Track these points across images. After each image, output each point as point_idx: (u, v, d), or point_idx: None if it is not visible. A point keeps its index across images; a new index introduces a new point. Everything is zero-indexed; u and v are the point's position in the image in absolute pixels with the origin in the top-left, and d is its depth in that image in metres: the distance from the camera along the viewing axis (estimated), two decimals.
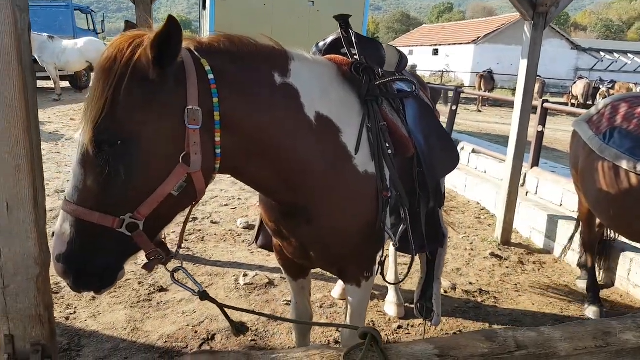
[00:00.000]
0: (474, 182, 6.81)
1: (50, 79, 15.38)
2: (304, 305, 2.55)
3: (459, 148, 8.32)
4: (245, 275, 3.94)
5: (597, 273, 4.03)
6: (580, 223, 4.10)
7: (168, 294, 3.65)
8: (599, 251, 4.12)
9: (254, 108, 1.61)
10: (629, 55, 35.27)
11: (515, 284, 4.23)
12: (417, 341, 1.49)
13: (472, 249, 4.96)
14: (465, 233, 5.43)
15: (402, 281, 2.30)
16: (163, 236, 1.71)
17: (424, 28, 53.25)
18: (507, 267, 4.58)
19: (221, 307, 1.71)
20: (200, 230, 4.94)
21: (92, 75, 1.42)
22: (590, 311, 3.77)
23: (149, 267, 1.56)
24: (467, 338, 1.48)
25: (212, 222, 5.20)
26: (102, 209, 1.40)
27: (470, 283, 4.19)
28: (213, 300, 1.67)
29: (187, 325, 3.26)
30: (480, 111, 20.60)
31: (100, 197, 1.40)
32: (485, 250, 4.89)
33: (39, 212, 1.28)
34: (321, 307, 3.65)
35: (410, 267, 2.23)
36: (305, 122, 1.75)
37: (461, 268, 4.49)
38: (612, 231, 4.07)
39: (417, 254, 2.66)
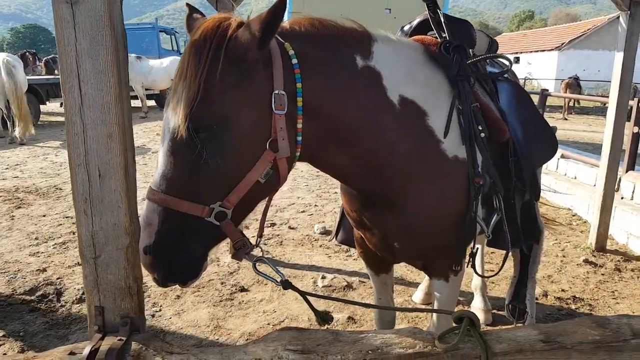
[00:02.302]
0: (565, 187, 6.38)
1: (137, 98, 16.49)
2: (387, 302, 2.46)
3: None
4: (323, 277, 3.92)
5: None
6: None
7: (249, 293, 3.71)
8: None
9: (334, 93, 1.57)
10: None
11: (613, 292, 3.88)
12: (520, 327, 1.37)
13: (563, 256, 4.62)
14: (556, 239, 5.07)
15: (492, 276, 2.14)
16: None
17: (504, 36, 51.48)
18: (603, 274, 4.21)
19: (303, 294, 1.66)
20: (278, 235, 5.01)
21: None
22: None
23: (238, 256, 1.54)
24: (575, 324, 1.35)
25: (289, 227, 5.26)
26: (191, 198, 1.37)
27: (563, 290, 3.89)
28: (296, 289, 1.63)
29: (268, 324, 3.28)
30: (566, 119, 19.41)
31: (190, 185, 1.37)
32: (579, 257, 4.53)
33: (129, 181, 1.29)
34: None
35: (504, 261, 2.07)
36: (388, 106, 1.68)
37: (552, 275, 4.19)
38: None
39: (512, 250, 2.50)
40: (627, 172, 5.89)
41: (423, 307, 3.47)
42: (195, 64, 1.34)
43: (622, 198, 5.76)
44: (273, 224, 5.32)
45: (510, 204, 2.06)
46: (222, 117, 1.36)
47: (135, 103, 18.62)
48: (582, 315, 3.50)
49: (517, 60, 38.75)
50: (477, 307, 3.44)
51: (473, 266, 2.00)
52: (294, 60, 1.47)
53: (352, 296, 3.71)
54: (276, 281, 1.62)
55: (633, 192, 5.64)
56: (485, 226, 1.95)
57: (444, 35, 2.03)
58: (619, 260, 4.51)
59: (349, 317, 3.37)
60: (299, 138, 1.50)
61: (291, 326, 3.01)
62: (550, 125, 2.45)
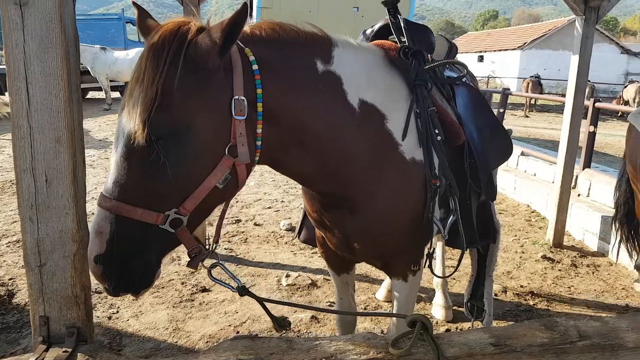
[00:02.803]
0: (524, 184, 6.55)
1: (102, 89, 16.01)
2: (348, 302, 2.48)
3: None
4: (287, 276, 3.90)
5: None
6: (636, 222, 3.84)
7: (210, 294, 3.66)
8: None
9: (295, 98, 1.56)
10: None
11: (569, 287, 4.01)
12: (472, 330, 1.40)
13: (522, 252, 4.75)
14: (516, 236, 5.21)
15: (449, 275, 2.18)
16: (207, 237, 1.66)
17: (469, 35, 52.40)
18: (560, 270, 4.35)
19: (261, 301, 1.64)
20: (243, 232, 4.96)
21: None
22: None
23: (194, 264, 1.50)
24: (524, 327, 1.38)
25: (255, 224, 5.21)
26: (145, 204, 1.33)
27: (522, 286, 4.00)
28: (253, 295, 1.61)
29: (229, 325, 3.25)
30: (527, 116, 19.96)
31: (144, 192, 1.33)
32: (537, 253, 4.67)
33: (78, 186, 1.24)
34: (365, 309, 3.57)
35: (460, 261, 2.12)
36: (348, 110, 1.70)
37: (512, 271, 4.30)
38: None
39: (468, 249, 2.55)
40: (583, 169, 6.11)
41: (378, 311, 3.48)
42: (153, 69, 1.30)
43: (578, 195, 5.97)
44: (238, 221, 5.27)
45: (467, 205, 2.11)
46: (181, 122, 1.33)
47: (99, 95, 18.14)
48: (540, 311, 3.61)
49: (481, 59, 39.53)
50: (438, 303, 3.50)
51: (430, 266, 2.02)
52: (255, 66, 1.46)
53: (316, 294, 3.72)
54: (232, 288, 1.59)
55: (589, 189, 5.86)
56: (441, 227, 1.99)
57: (403, 40, 2.05)
58: (575, 256, 4.67)
59: (313, 317, 3.37)
60: (259, 143, 1.49)
61: (244, 334, 2.99)
62: (507, 127, 2.51)
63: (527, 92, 20.42)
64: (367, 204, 1.82)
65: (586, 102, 6.36)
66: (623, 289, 4.02)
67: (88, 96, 19.54)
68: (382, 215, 1.85)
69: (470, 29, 74.47)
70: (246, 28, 1.53)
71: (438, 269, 3.66)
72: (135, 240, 1.37)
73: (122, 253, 1.36)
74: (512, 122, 17.54)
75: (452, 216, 2.01)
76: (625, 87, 22.05)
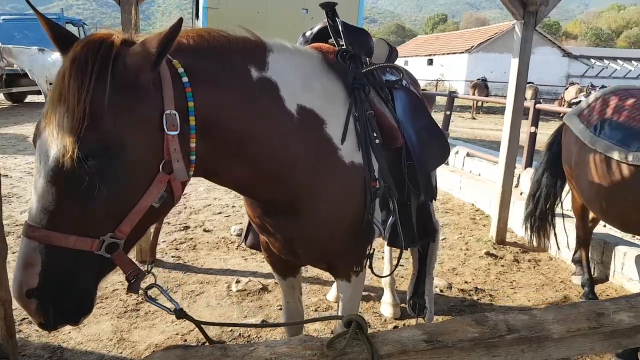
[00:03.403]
0: (469, 184, 6.77)
1: (40, 93, 15.29)
2: (294, 305, 2.48)
3: (453, 152, 8.31)
4: (237, 281, 3.86)
5: (591, 268, 3.99)
6: (575, 219, 4.06)
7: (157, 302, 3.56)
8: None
9: (229, 108, 1.52)
10: (619, 61, 35.52)
11: (511, 282, 4.18)
12: (406, 328, 1.43)
13: (467, 249, 4.91)
14: (461, 233, 5.37)
15: (389, 274, 2.22)
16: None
17: (419, 39, 53.61)
18: (503, 266, 4.52)
19: (198, 324, 1.57)
20: (192, 238, 4.87)
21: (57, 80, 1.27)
22: (578, 281, 3.88)
23: (134, 289, 1.43)
24: (457, 323, 1.42)
25: (204, 230, 5.13)
26: (77, 231, 1.26)
27: (466, 282, 4.13)
28: (190, 318, 1.55)
29: (176, 334, 3.18)
30: (474, 118, 20.65)
31: (76, 218, 1.26)
32: (481, 250, 4.84)
33: None
34: (316, 310, 3.58)
35: (398, 260, 2.17)
36: (286, 117, 1.68)
37: (457, 267, 4.44)
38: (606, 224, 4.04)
39: (409, 249, 2.60)
40: (525, 168, 6.38)
41: (312, 317, 3.38)
42: (77, 87, 1.22)
43: (521, 194, 6.22)
44: (186, 227, 5.17)
45: (406, 206, 2.15)
46: (111, 141, 1.26)
47: (38, 98, 17.31)
48: (483, 306, 3.74)
49: (430, 62, 40.57)
50: (386, 302, 3.56)
51: (370, 267, 2.06)
52: (185, 79, 1.41)
53: (267, 299, 3.70)
54: (169, 310, 1.51)
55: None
56: (382, 228, 2.03)
57: (342, 43, 2.07)
58: (517, 252, 4.86)
59: (263, 321, 3.35)
60: (193, 157, 1.44)
61: (177, 344, 2.95)
62: (445, 130, 2.59)
63: (473, 94, 21.12)
64: (308, 208, 1.83)
65: (527, 104, 6.67)
66: (562, 282, 4.22)
67: (27, 100, 18.64)
68: (323, 219, 1.86)
69: (421, 33, 76.32)
70: None
71: (386, 269, 3.72)
72: (69, 270, 1.29)
73: (56, 284, 1.28)
74: (460, 124, 18.10)
75: (391, 217, 2.05)
76: (567, 89, 23.22)
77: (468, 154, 7.96)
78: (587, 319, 1.43)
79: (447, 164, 8.32)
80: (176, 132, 1.36)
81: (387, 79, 2.31)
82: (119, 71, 1.27)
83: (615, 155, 2.96)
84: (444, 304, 3.73)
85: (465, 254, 4.80)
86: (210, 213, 5.74)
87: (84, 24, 20.84)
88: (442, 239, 5.16)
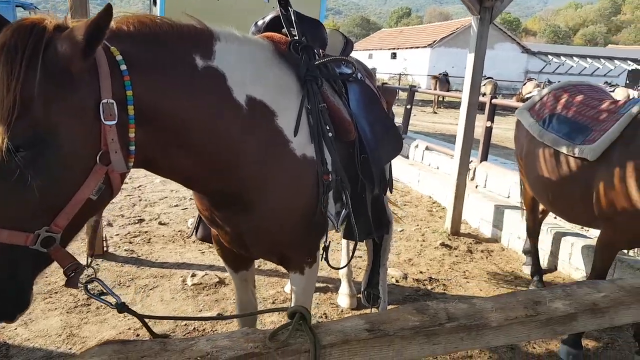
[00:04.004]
0: (427, 177, 6.90)
1: None
2: (247, 299, 2.47)
3: (413, 145, 8.44)
4: (193, 275, 3.81)
5: (540, 258, 4.15)
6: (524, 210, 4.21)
7: (108, 297, 3.47)
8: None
9: (171, 98, 1.47)
10: (574, 58, 36.82)
11: (464, 272, 4.29)
12: (350, 317, 1.44)
13: (423, 240, 5.00)
14: (418, 225, 5.47)
15: (345, 266, 2.24)
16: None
17: (382, 32, 53.94)
18: (457, 256, 4.64)
19: (141, 318, 1.52)
20: (147, 232, 4.76)
21: None
22: (528, 270, 4.05)
23: (72, 284, 1.38)
24: (399, 312, 1.44)
25: (160, 223, 5.02)
26: (11, 225, 1.21)
27: (421, 272, 4.22)
28: (132, 312, 1.50)
29: (129, 328, 3.11)
30: (435, 112, 21.01)
31: (9, 211, 1.21)
32: (436, 241, 4.95)
33: None
34: (274, 302, 3.58)
35: (353, 252, 2.18)
36: (234, 108, 1.65)
37: (413, 258, 4.52)
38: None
39: (364, 241, 2.63)
40: (481, 162, 6.55)
41: (260, 309, 3.35)
42: (6, 74, 1.16)
43: (476, 186, 6.39)
44: (141, 220, 5.05)
45: (361, 199, 2.17)
46: (44, 132, 1.21)
47: None
48: (436, 295, 3.83)
49: (394, 56, 40.94)
50: (343, 292, 3.60)
51: (326, 259, 2.06)
52: (123, 67, 1.35)
53: (224, 292, 3.66)
54: (111, 304, 1.46)
55: (486, 180, 6.29)
56: (335, 221, 2.04)
57: (294, 33, 2.05)
58: (471, 243, 5.00)
59: (219, 314, 3.32)
60: (132, 147, 1.40)
61: (115, 339, 2.89)
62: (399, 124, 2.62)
63: (435, 89, 21.49)
64: (258, 201, 1.81)
65: (484, 99, 6.84)
66: (512, 271, 4.37)
67: None
68: (275, 212, 1.85)
69: (385, 26, 76.90)
70: (112, 23, 1.40)
71: (343, 260, 3.75)
72: (3, 265, 1.24)
73: None
74: (422, 118, 18.41)
75: (345, 210, 2.06)
76: (524, 84, 23.93)
77: (427, 148, 8.11)
78: (525, 307, 1.48)
79: (407, 157, 8.45)
80: (114, 122, 1.32)
81: (342, 71, 2.31)
82: (51, 58, 1.21)
83: (562, 149, 3.07)
84: (400, 294, 3.80)
85: (421, 245, 4.89)
86: (166, 206, 5.63)
87: (36, 7, 19.91)
88: (400, 231, 5.25)
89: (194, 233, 2.50)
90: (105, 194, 1.38)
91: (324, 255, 2.10)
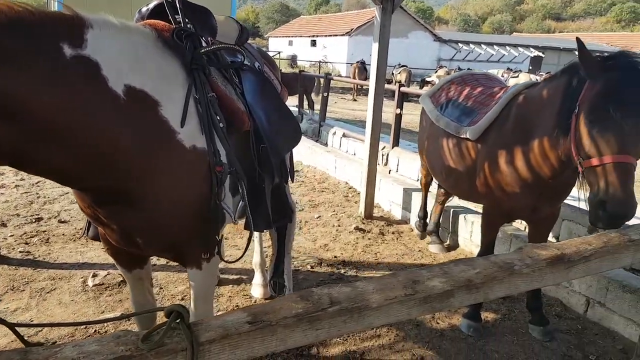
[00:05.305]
0: (343, 163, 7.02)
1: None
2: (144, 299, 2.36)
3: (331, 133, 8.55)
4: (94, 275, 3.61)
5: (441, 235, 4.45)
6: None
7: (1, 304, 3.22)
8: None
9: (33, 89, 1.36)
10: (482, 46, 38.96)
11: (375, 254, 4.43)
12: (232, 311, 1.42)
13: (339, 225, 5.10)
14: (334, 211, 5.56)
15: (237, 260, 2.21)
16: None
17: (302, 19, 53.77)
18: (369, 239, 4.77)
19: (11, 327, 1.39)
20: (45, 231, 4.44)
21: None
22: (418, 235, 4.70)
23: None
24: (282, 301, 1.44)
25: (60, 221, 4.70)
26: None
27: (335, 257, 4.29)
28: (2, 321, 1.41)
29: (23, 335, 2.89)
30: (355, 100, 21.39)
31: None
32: (351, 225, 5.05)
33: None
34: (182, 299, 3.48)
35: (248, 244, 2.15)
36: (111, 98, 1.55)
37: (328, 244, 4.59)
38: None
39: (266, 231, 2.62)
40: (393, 148, 6.76)
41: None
42: None
43: (390, 171, 6.60)
44: (39, 219, 4.70)
45: (260, 190, 2.14)
46: None
47: None
48: (349, 278, 3.91)
49: (313, 43, 41.08)
50: (257, 283, 3.57)
51: (219, 253, 2.02)
52: None
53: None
54: None
55: (398, 165, 6.51)
56: (232, 212, 2.00)
57: (180, 20, 1.98)
58: (383, 225, 5.16)
59: (122, 314, 3.18)
60: None
61: None
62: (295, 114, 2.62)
63: (354, 76, 21.85)
64: (145, 196, 1.72)
65: (393, 87, 7.05)
66: (420, 251, 4.57)
67: None
68: (164, 206, 1.77)
69: (305, 13, 76.80)
70: None
71: (256, 253, 3.73)
72: None
73: None
74: (342, 105, 18.68)
75: (241, 202, 2.03)
76: (436, 71, 24.98)
77: (344, 135, 8.24)
78: (404, 287, 1.54)
79: (326, 144, 8.55)
80: None
81: (234, 60, 2.26)
82: None
83: (452, 130, 3.26)
84: (314, 280, 3.84)
85: (337, 230, 4.98)
86: (67, 202, 5.27)
87: None
88: (317, 217, 5.31)
89: (85, 232, 2.36)
90: None
91: (217, 249, 2.05)
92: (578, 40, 2.19)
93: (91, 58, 1.52)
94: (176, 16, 2.01)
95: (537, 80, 3.45)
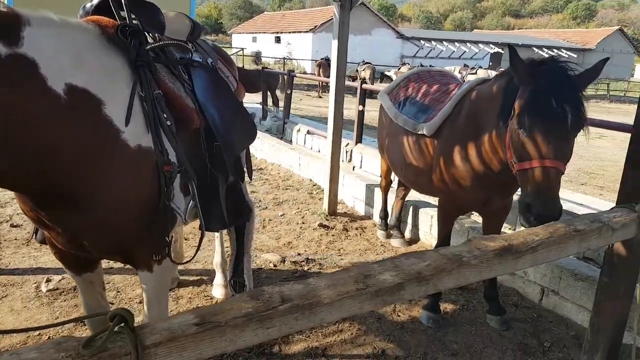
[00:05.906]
0: (308, 161, 7.02)
1: None
2: (96, 303, 2.30)
3: (296, 130, 8.53)
4: (48, 280, 3.49)
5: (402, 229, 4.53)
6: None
7: None
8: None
9: None
10: (444, 43, 39.64)
11: (339, 250, 4.45)
12: (180, 314, 1.40)
13: (303, 223, 5.09)
14: (298, 208, 5.55)
15: (189, 261, 2.18)
16: None
17: (265, 15, 53.33)
18: (333, 235, 4.79)
19: None
20: None
21: None
22: (381, 235, 4.73)
23: None
24: (231, 302, 1.43)
25: (12, 225, 4.52)
26: None
27: (299, 254, 4.29)
28: None
29: None
30: (320, 97, 21.45)
31: None
32: (315, 222, 5.06)
33: None
34: (140, 302, 3.40)
35: (199, 245, 2.12)
36: (50, 98, 1.50)
37: (292, 241, 4.58)
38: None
39: (226, 230, 2.59)
40: (356, 144, 6.81)
41: (73, 317, 3.17)
42: None
43: (354, 168, 6.64)
44: None
45: (212, 189, 2.11)
46: None
47: None
48: (312, 274, 3.92)
49: (278, 40, 40.87)
50: (217, 283, 3.54)
51: (168, 254, 1.98)
52: None
53: None
54: None
55: (361, 161, 6.56)
56: (182, 213, 1.97)
57: (124, 16, 1.93)
58: (346, 221, 5.18)
59: (64, 320, 3.08)
60: None
61: None
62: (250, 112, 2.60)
63: (318, 73, 21.87)
64: (89, 197, 1.68)
65: (354, 84, 7.08)
66: (382, 245, 4.62)
67: None
68: (109, 208, 1.73)
69: (268, 9, 76.21)
70: None
71: (217, 254, 3.68)
72: None
73: None
74: (307, 102, 18.69)
75: (191, 202, 2.00)
76: (399, 69, 25.26)
77: (309, 132, 8.24)
78: (356, 281, 1.54)
79: (290, 142, 8.53)
80: None
81: (183, 56, 2.22)
82: None
83: (409, 127, 3.31)
84: (277, 278, 3.83)
85: (301, 227, 4.97)
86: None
87: None
88: (281, 215, 5.29)
89: (34, 236, 2.29)
90: None
91: (167, 250, 2.01)
92: (510, 47, 2.24)
93: (28, 56, 1.46)
94: (121, 12, 1.96)
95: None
